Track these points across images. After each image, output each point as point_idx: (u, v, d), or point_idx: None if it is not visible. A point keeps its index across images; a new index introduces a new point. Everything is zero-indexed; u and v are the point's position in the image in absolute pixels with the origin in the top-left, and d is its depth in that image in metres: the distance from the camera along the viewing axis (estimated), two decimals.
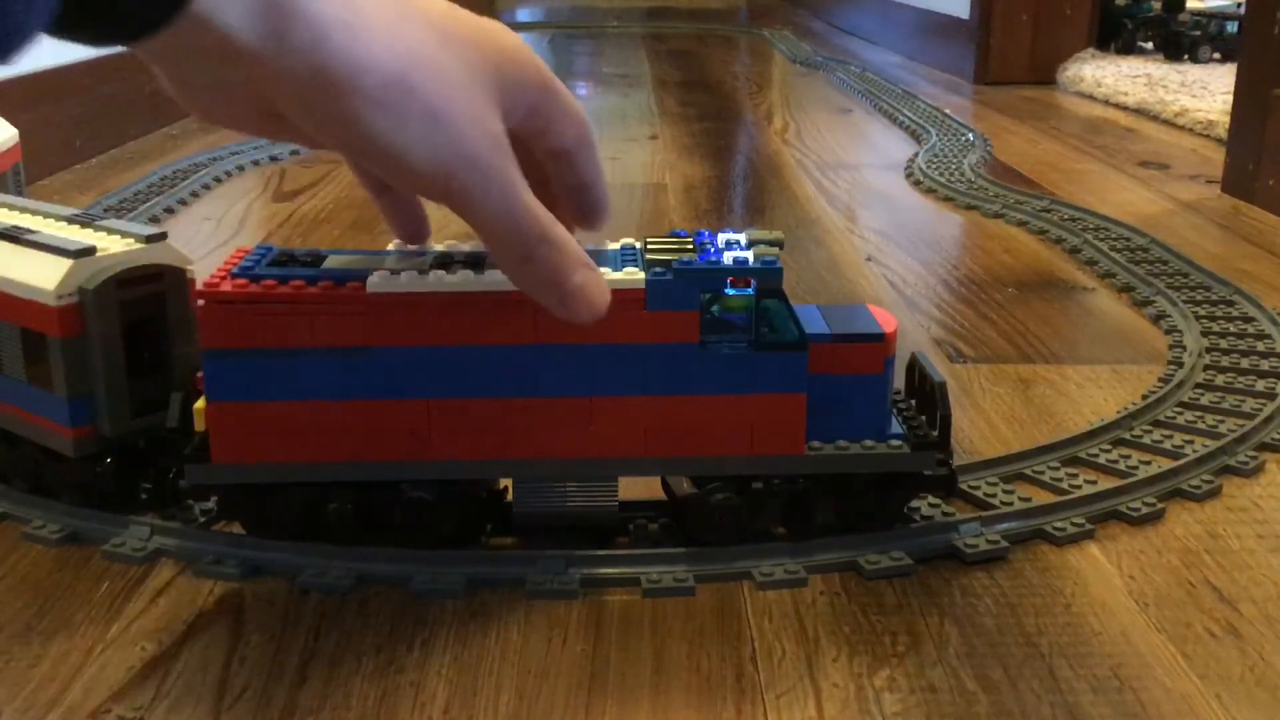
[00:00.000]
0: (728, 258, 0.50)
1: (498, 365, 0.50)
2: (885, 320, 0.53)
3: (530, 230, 0.42)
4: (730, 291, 0.50)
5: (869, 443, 0.52)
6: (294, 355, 0.49)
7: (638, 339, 0.49)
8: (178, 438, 0.52)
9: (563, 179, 0.47)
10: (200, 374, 0.51)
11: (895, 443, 0.53)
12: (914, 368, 0.57)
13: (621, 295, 0.48)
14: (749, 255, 0.51)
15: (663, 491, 0.56)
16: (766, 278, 0.50)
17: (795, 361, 0.50)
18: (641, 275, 0.49)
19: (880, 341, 0.52)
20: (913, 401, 0.57)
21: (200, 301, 0.49)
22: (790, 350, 0.51)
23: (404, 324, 0.49)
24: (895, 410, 0.55)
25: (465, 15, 0.42)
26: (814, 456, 0.52)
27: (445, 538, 0.53)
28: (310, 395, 0.50)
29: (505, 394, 0.50)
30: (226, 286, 0.49)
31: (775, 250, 0.51)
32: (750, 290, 0.50)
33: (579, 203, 0.48)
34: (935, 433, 0.53)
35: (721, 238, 0.52)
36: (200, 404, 0.51)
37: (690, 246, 0.52)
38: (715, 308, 0.50)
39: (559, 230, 0.43)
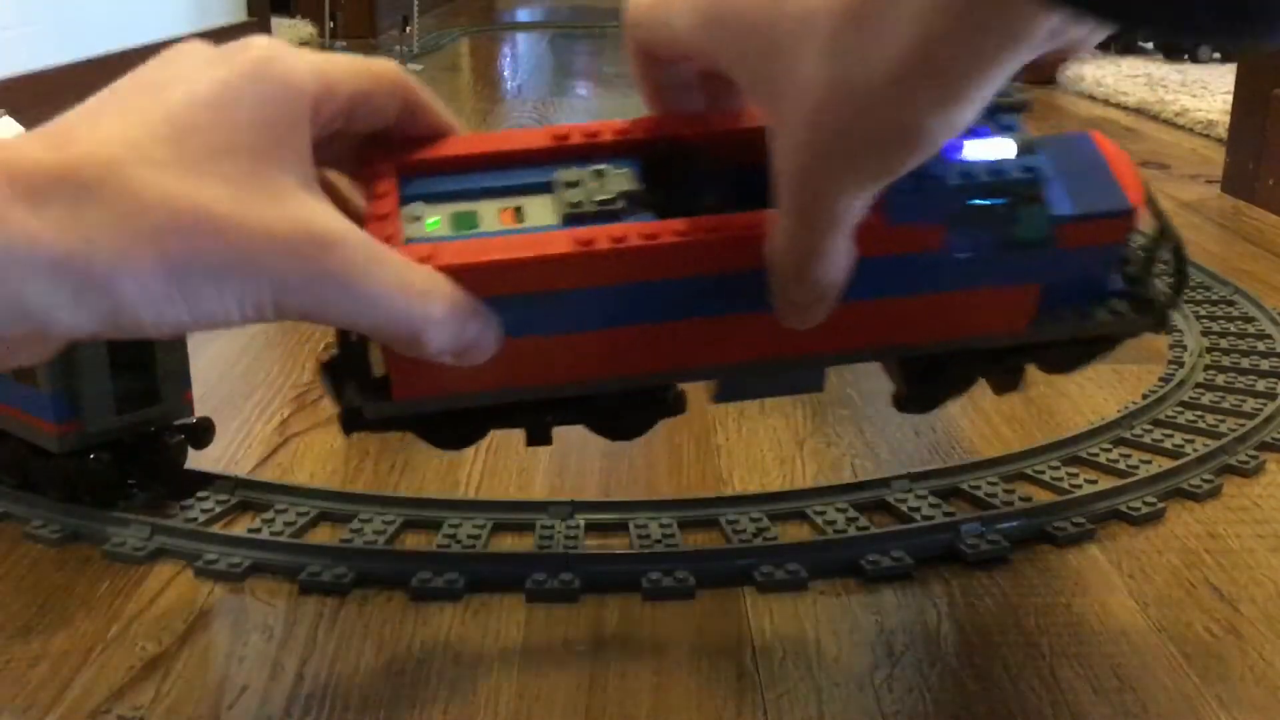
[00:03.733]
0: (973, 152, 0.42)
1: (722, 288, 0.43)
2: (1127, 177, 0.46)
3: (415, 306, 0.33)
4: (982, 202, 0.43)
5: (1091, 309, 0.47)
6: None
7: (875, 252, 0.42)
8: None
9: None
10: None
11: (1117, 304, 0.47)
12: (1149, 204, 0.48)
13: None
14: (1002, 150, 0.42)
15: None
16: (1025, 188, 0.42)
17: (1039, 256, 0.45)
18: None
19: (1129, 217, 0.46)
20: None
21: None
22: (1036, 248, 0.45)
23: (620, 268, 0.40)
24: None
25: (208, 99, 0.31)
26: (1033, 330, 0.47)
27: (625, 431, 0.48)
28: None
29: (720, 312, 0.43)
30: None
31: (1017, 118, 0.43)
32: (1004, 201, 0.43)
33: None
34: (1151, 293, 0.48)
35: None
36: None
37: None
38: (965, 222, 0.43)
39: (443, 286, 0.34)
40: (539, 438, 0.47)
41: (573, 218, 0.39)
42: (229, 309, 0.30)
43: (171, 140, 0.29)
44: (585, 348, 0.42)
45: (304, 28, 2.85)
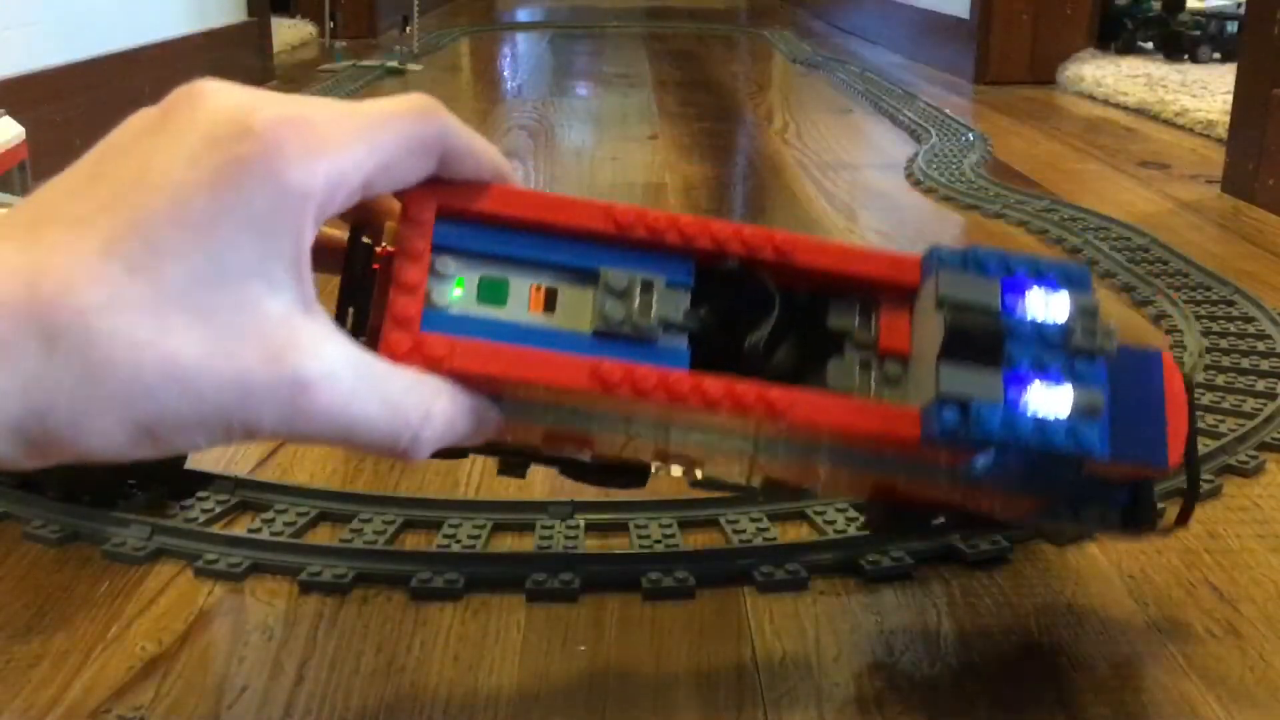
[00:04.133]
0: (1033, 398, 0.37)
1: (732, 440, 0.41)
2: (1177, 421, 0.41)
3: (402, 431, 0.31)
4: (1017, 460, 0.38)
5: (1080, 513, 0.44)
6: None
7: (896, 454, 0.39)
8: None
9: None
10: None
11: (1110, 511, 0.44)
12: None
13: (884, 411, 0.37)
14: (1059, 404, 0.37)
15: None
16: (1066, 457, 0.38)
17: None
18: (920, 404, 0.37)
19: (1161, 471, 0.41)
20: None
21: None
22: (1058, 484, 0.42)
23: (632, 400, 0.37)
24: None
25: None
26: (1025, 519, 0.45)
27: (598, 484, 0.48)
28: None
29: (720, 451, 0.42)
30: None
31: (1098, 365, 0.38)
32: (1038, 459, 0.39)
33: None
34: (1147, 515, 0.43)
35: (1034, 302, 0.38)
36: None
37: (994, 320, 0.37)
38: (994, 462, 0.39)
39: (440, 403, 0.33)
40: (513, 472, 0.46)
41: (605, 334, 0.36)
42: (198, 445, 0.29)
43: (148, 269, 0.27)
44: (578, 437, 0.41)
45: (304, 27, 2.85)
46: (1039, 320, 0.38)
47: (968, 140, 1.63)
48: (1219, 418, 0.69)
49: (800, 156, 1.56)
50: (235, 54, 2.08)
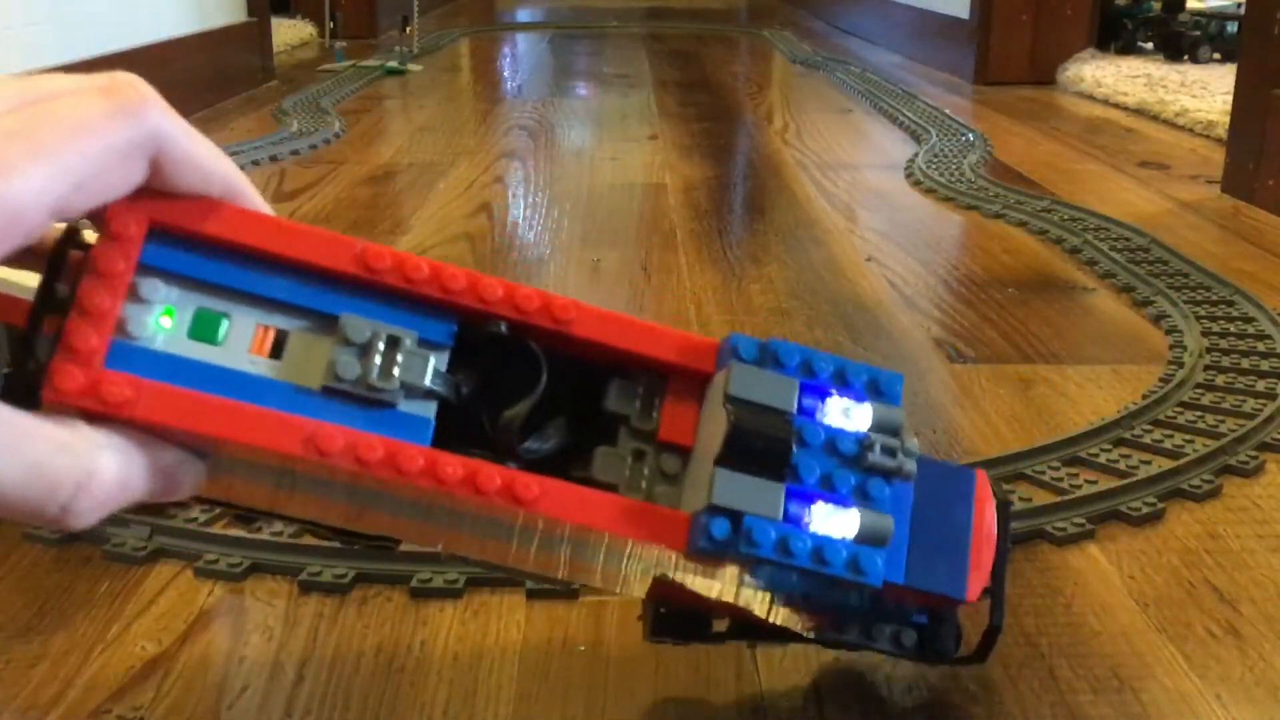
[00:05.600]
0: (819, 519, 0.34)
1: (450, 515, 0.35)
2: (982, 552, 0.39)
3: (48, 500, 0.26)
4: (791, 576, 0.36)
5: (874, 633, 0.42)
6: None
7: (662, 568, 0.36)
8: None
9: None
10: None
11: (906, 633, 0.42)
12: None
13: (649, 514, 0.34)
14: (846, 526, 0.34)
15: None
16: (844, 585, 0.35)
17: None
18: (689, 512, 0.34)
19: (958, 603, 0.40)
20: None
21: None
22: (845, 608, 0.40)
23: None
24: None
25: None
26: (813, 632, 0.42)
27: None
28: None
29: (445, 526, 0.36)
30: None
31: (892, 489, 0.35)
32: (816, 580, 0.36)
33: None
34: (942, 644, 0.42)
35: (833, 410, 0.35)
36: None
37: (783, 426, 0.34)
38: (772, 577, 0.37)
39: (102, 464, 0.27)
40: (245, 521, 0.42)
41: (336, 393, 0.31)
42: None
43: None
44: (294, 502, 0.35)
45: (304, 28, 2.85)
46: (835, 431, 0.35)
47: (968, 140, 1.63)
48: (1219, 417, 0.69)
49: (800, 157, 1.56)
50: (235, 54, 2.08)
